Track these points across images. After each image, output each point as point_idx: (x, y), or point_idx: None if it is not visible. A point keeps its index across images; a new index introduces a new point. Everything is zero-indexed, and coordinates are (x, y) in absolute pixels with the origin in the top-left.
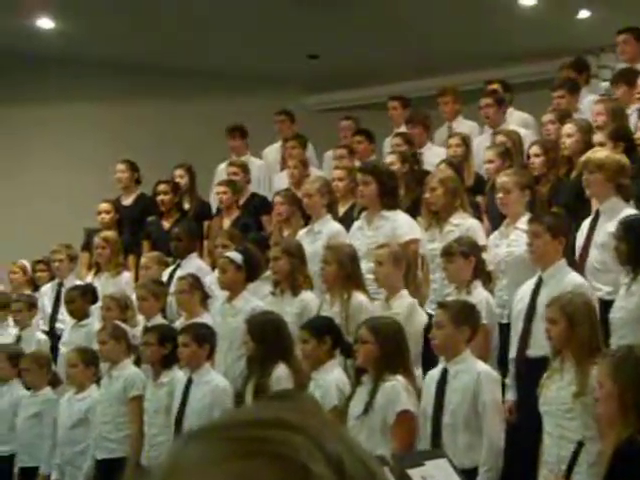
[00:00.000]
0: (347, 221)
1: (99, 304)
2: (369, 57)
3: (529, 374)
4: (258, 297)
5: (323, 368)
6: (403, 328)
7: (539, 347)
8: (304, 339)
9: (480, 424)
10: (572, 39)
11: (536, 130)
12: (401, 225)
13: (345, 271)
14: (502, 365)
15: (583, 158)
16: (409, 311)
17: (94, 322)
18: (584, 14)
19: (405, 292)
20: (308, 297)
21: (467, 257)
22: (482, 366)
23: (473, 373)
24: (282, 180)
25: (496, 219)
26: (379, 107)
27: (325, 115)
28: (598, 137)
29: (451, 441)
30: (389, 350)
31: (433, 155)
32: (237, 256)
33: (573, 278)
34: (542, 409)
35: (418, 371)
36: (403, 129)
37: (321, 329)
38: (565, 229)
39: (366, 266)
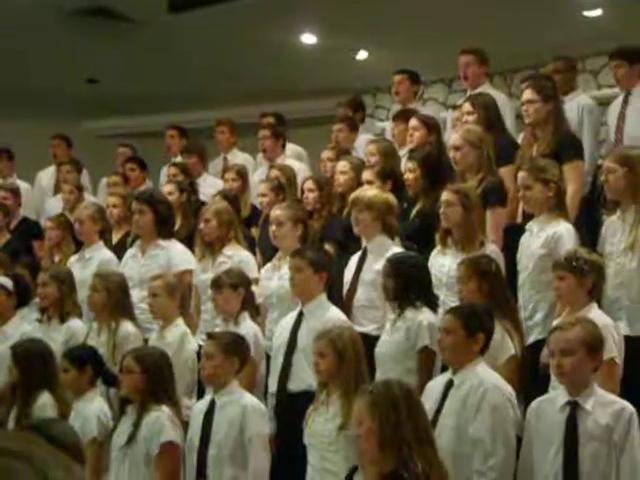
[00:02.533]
0: (121, 248)
1: None
2: (149, 85)
3: (290, 408)
4: (27, 323)
5: (84, 398)
6: (169, 358)
7: (299, 381)
8: (64, 368)
9: (246, 457)
10: (351, 79)
11: (309, 163)
12: (176, 255)
13: (114, 299)
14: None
15: (352, 196)
16: (180, 340)
17: None
18: (363, 55)
19: (180, 321)
20: (76, 325)
21: (235, 289)
22: (249, 398)
23: (240, 405)
24: (55, 205)
25: (269, 252)
26: (158, 135)
27: (103, 141)
28: (366, 175)
29: (216, 474)
30: (154, 380)
31: (208, 186)
32: (7, 282)
33: (333, 313)
34: (307, 441)
35: (192, 400)
36: (179, 159)
37: (82, 358)
38: (327, 264)
39: (139, 295)
